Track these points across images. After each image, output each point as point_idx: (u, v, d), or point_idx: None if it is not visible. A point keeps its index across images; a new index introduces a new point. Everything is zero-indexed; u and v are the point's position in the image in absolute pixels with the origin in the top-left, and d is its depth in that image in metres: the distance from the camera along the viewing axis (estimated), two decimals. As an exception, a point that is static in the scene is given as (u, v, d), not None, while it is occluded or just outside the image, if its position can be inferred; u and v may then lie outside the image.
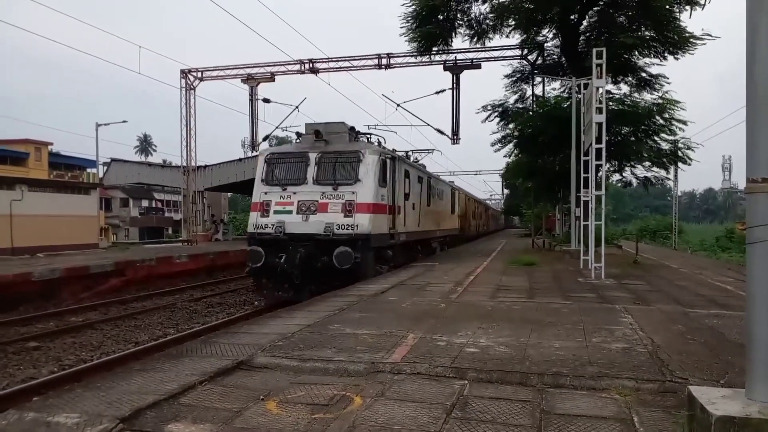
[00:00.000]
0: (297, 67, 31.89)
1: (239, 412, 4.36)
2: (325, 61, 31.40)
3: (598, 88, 14.41)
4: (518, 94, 29.29)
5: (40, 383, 8.51)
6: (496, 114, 27.61)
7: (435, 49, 26.97)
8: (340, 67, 31.36)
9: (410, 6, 25.05)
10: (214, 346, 6.49)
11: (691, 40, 21.70)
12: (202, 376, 5.18)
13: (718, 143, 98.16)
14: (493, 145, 28.34)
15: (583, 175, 16.51)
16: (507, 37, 26.78)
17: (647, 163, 24.13)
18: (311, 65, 31.55)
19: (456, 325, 7.68)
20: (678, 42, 21.92)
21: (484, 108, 27.81)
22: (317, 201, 15.07)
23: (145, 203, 70.49)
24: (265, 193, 15.70)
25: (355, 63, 31.06)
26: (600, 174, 14.99)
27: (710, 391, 3.98)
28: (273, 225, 15.04)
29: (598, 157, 14.61)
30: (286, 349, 6.32)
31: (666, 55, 22.74)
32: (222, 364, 5.64)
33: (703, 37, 21.54)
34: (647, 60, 23.45)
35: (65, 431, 3.83)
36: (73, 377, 8.67)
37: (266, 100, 31.63)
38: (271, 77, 33.37)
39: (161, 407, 4.41)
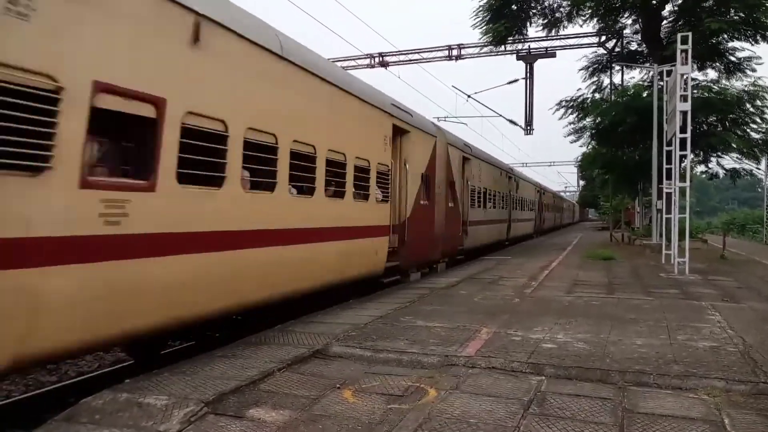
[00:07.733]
0: (367, 61, 31.93)
1: (317, 399, 4.45)
2: (395, 54, 31.29)
3: (682, 75, 13.72)
4: (595, 84, 28.42)
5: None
6: (570, 111, 26.88)
7: (510, 39, 26.38)
8: (410, 60, 31.19)
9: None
10: (291, 335, 6.65)
11: None
12: (281, 364, 5.33)
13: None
14: (567, 136, 27.64)
15: (665, 166, 15.75)
16: (581, 26, 26.01)
17: (735, 154, 22.83)
18: (381, 59, 31.52)
19: (531, 320, 7.54)
20: None
21: (559, 104, 27.14)
22: None
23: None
24: None
25: (425, 55, 30.86)
26: (684, 165, 14.30)
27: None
28: None
29: (683, 147, 13.93)
30: (360, 339, 6.40)
31: (758, 38, 21.30)
32: (298, 352, 5.79)
33: None
34: (737, 44, 22.10)
35: (155, 412, 4.03)
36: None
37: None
38: (343, 72, 33.58)
39: (243, 392, 4.57)
